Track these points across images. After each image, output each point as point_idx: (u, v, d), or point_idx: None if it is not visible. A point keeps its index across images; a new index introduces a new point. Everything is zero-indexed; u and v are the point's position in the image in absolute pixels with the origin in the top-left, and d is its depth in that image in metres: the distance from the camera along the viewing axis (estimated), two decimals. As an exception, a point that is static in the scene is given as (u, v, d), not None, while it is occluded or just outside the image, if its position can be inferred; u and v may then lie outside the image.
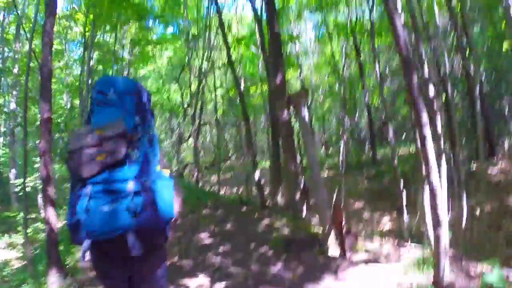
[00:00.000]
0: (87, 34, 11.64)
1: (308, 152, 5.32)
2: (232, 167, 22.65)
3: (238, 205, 8.88)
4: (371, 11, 12.51)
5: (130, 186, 1.66)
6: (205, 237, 6.72)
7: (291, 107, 5.69)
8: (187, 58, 16.89)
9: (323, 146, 24.03)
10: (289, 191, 7.73)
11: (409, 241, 5.65)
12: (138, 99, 1.85)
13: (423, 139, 3.20)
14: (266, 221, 7.24)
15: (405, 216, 7.99)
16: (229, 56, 9.74)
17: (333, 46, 20.15)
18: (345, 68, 18.25)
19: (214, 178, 19.75)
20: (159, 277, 2.01)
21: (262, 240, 6.21)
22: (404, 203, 7.98)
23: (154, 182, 1.73)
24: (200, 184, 16.59)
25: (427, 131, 3.21)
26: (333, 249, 5.21)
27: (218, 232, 6.95)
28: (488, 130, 11.89)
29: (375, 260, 4.75)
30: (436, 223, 3.38)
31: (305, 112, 5.35)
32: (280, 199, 10.25)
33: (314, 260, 5.05)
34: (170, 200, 1.74)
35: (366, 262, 4.70)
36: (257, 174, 8.43)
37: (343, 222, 4.88)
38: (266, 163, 26.09)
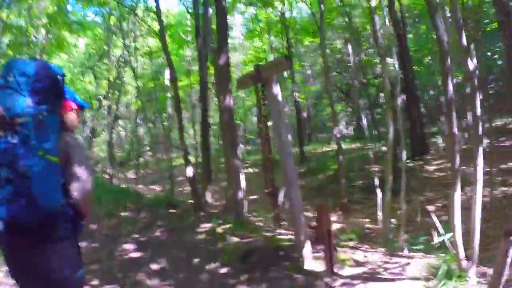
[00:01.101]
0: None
1: (281, 141, 3.91)
2: (148, 163, 20.31)
3: (165, 207, 7.09)
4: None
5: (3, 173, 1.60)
6: (130, 250, 4.85)
7: (258, 83, 4.15)
8: (106, 46, 14.84)
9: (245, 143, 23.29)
10: (232, 189, 6.21)
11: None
12: (37, 80, 1.71)
13: None
14: (205, 227, 5.64)
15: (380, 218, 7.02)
16: (164, 41, 8.05)
17: (263, 41, 19.29)
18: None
19: (130, 175, 17.27)
20: (56, 271, 1.79)
21: (208, 253, 4.61)
22: (380, 204, 7.04)
23: (31, 168, 1.60)
24: (115, 181, 14.14)
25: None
26: (310, 263, 3.90)
27: (146, 242, 5.14)
28: (422, 130, 11.98)
29: (373, 274, 3.53)
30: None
31: (277, 90, 3.93)
32: (210, 199, 8.69)
33: (290, 280, 3.64)
34: (51, 188, 1.66)
35: (365, 279, 3.45)
36: (189, 171, 6.73)
37: (331, 229, 3.57)
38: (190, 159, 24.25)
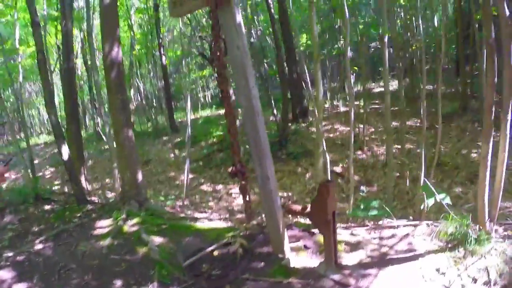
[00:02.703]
0: None
1: (246, 97, 2.53)
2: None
3: (35, 202, 4.75)
4: None
5: None
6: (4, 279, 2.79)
7: (207, 5, 2.45)
8: None
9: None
10: (131, 172, 4.47)
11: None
12: None
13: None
14: (104, 226, 3.87)
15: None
16: None
17: None
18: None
19: None
20: None
21: (129, 269, 3.00)
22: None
23: None
24: None
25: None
26: (294, 258, 2.83)
27: (26, 262, 3.08)
28: (302, 94, 11.96)
29: (382, 257, 2.72)
30: None
31: (238, 16, 2.47)
32: (87, 185, 6.51)
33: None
34: None
35: (376, 265, 2.60)
36: (65, 151, 4.53)
37: (335, 212, 2.54)
38: (42, 138, 19.56)
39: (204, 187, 8.29)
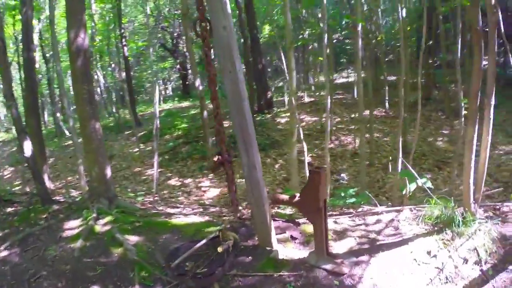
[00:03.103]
0: None
1: (231, 80, 2.35)
2: None
3: None
4: None
5: None
6: None
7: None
8: None
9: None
10: (99, 167, 4.12)
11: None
12: None
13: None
14: (73, 227, 3.54)
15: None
16: None
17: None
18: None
19: None
20: None
21: (105, 273, 2.74)
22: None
23: None
24: None
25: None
26: (282, 250, 2.72)
27: None
28: (266, 86, 11.86)
29: (371, 243, 2.67)
30: None
31: None
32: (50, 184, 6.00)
33: (278, 283, 2.38)
34: None
35: (367, 251, 2.54)
36: (27, 147, 4.05)
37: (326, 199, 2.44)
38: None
39: (172, 182, 7.99)
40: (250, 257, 2.69)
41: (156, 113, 6.90)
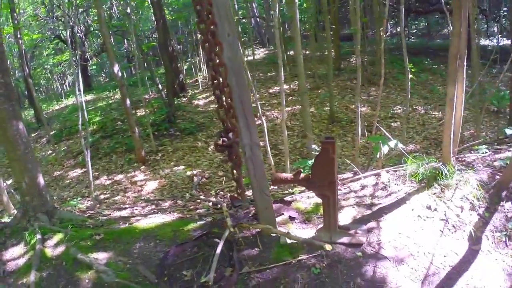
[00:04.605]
0: None
1: (232, 56, 1.90)
2: None
3: None
4: None
5: None
6: None
7: None
8: None
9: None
10: (29, 177, 3.19)
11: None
12: None
13: None
14: (17, 254, 2.74)
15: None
16: None
17: None
18: None
19: None
20: None
21: None
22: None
23: None
24: None
25: None
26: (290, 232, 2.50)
27: None
28: (178, 69, 11.08)
29: (369, 208, 2.61)
30: None
31: None
32: None
33: (304, 269, 2.16)
34: None
35: (370, 216, 2.48)
36: None
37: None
38: None
39: (102, 181, 7.00)
40: (256, 249, 2.40)
41: (82, 103, 5.85)
